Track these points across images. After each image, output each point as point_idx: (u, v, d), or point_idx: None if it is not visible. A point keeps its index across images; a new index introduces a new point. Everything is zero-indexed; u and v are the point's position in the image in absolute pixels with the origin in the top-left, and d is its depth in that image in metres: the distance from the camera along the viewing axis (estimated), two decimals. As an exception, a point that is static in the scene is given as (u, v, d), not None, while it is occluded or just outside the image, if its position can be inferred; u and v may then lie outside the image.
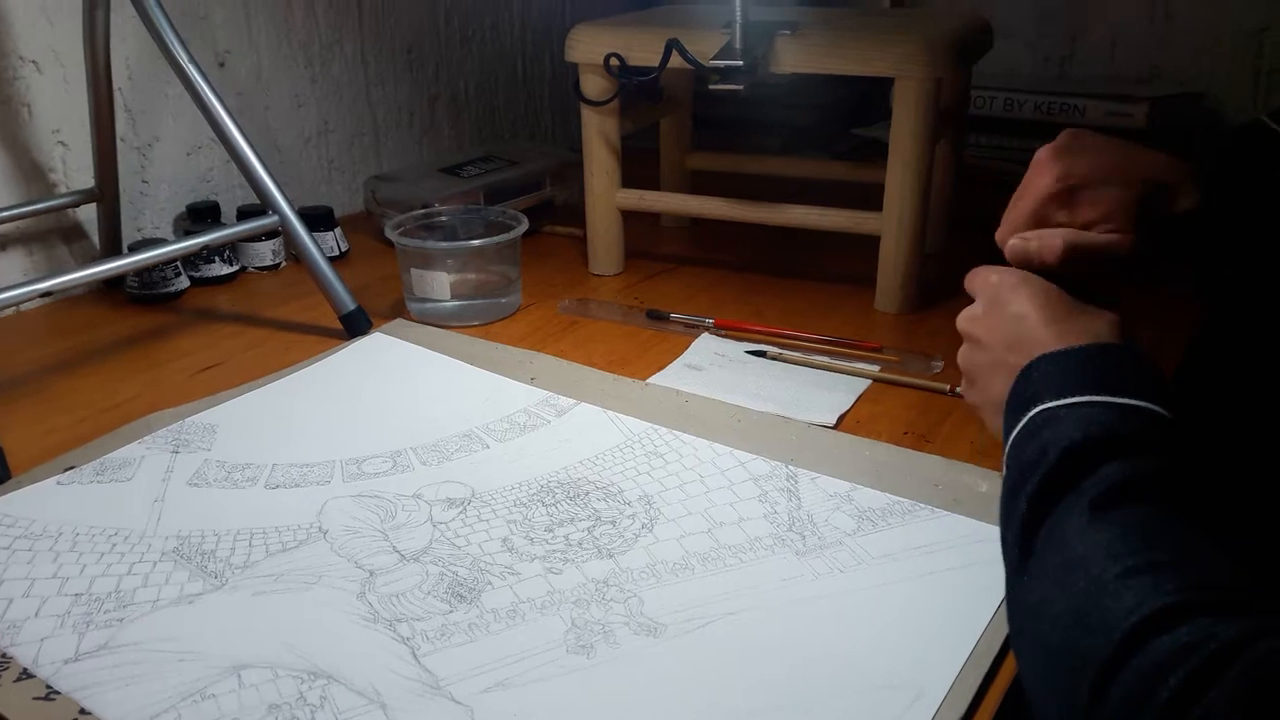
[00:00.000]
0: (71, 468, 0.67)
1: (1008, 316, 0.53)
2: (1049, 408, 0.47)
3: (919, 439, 0.71)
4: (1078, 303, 0.53)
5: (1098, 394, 0.47)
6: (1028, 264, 0.55)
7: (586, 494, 0.64)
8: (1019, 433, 0.48)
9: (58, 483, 0.65)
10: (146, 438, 0.70)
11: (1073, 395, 0.47)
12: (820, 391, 0.77)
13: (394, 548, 0.59)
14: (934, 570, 0.56)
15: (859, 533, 0.60)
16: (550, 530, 0.60)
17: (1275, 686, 0.33)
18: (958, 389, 0.78)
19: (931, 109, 0.86)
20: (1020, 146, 1.32)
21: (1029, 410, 0.48)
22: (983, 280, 0.57)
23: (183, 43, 0.83)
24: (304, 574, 0.56)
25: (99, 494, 0.64)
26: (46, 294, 0.72)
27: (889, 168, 0.89)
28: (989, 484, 0.64)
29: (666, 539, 0.59)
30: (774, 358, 0.84)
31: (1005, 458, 0.49)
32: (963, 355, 0.58)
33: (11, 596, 0.54)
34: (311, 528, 0.61)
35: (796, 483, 0.65)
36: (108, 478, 0.66)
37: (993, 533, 0.59)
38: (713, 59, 0.86)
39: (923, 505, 0.62)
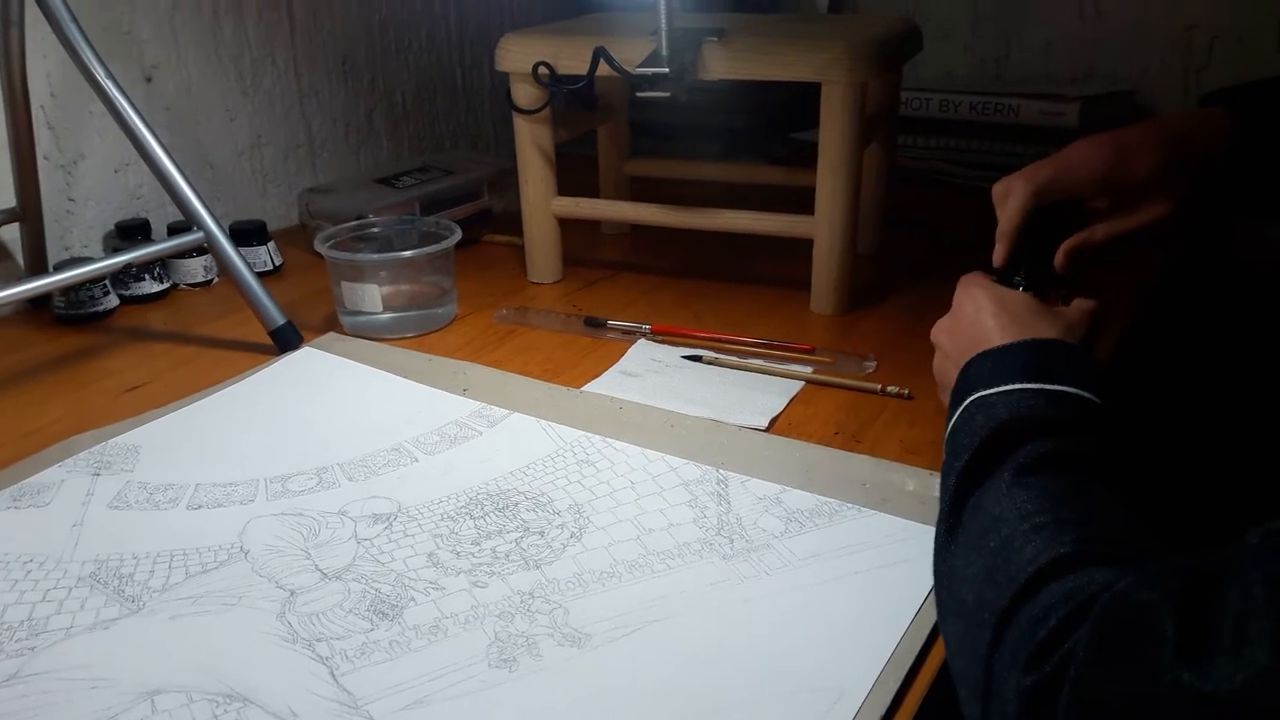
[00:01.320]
0: (-13, 494, 0.65)
1: (967, 324, 0.57)
2: (983, 395, 0.50)
3: (849, 439, 0.72)
4: (1040, 308, 0.57)
5: (1029, 382, 0.49)
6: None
7: (515, 505, 0.64)
8: (955, 421, 0.51)
9: (-28, 510, 0.64)
10: (67, 461, 0.69)
11: (1005, 384, 0.50)
12: (754, 394, 0.78)
13: (316, 566, 0.58)
14: (859, 570, 0.57)
15: (786, 534, 0.60)
16: (477, 543, 0.60)
17: (1125, 620, 0.34)
18: (889, 388, 0.78)
19: (857, 113, 0.87)
20: (955, 146, 1.34)
21: (965, 399, 0.51)
22: (956, 292, 0.61)
23: (101, 61, 0.82)
24: (223, 595, 0.55)
25: (14, 521, 0.62)
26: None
27: (819, 172, 0.90)
28: (916, 483, 0.64)
29: (595, 547, 0.59)
30: (709, 362, 0.84)
31: (944, 447, 0.51)
32: (935, 365, 0.62)
33: (-82, 629, 0.53)
34: (233, 548, 0.60)
35: (727, 486, 0.65)
36: (25, 504, 0.64)
37: (917, 530, 0.59)
38: (639, 66, 0.86)
39: (850, 505, 0.62)
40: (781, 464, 0.67)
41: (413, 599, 0.55)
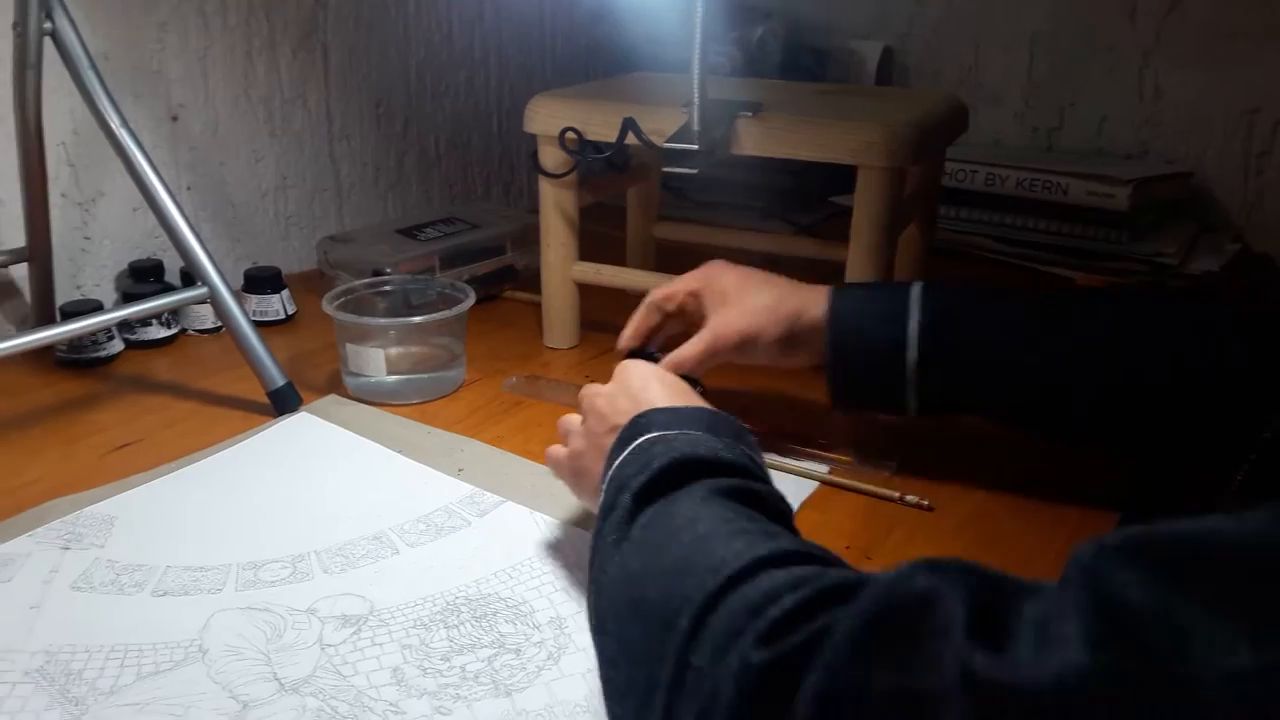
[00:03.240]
0: (-50, 563, 0.63)
1: (634, 391, 0.59)
2: (660, 434, 0.51)
3: (859, 555, 0.67)
4: (694, 396, 0.61)
5: (704, 431, 0.51)
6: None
7: (494, 614, 0.60)
8: (626, 456, 0.51)
9: (-69, 582, 0.61)
10: (38, 530, 0.66)
11: (682, 429, 0.52)
12: (762, 497, 0.73)
13: (274, 674, 0.54)
14: None
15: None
16: (447, 659, 0.56)
17: (905, 605, 0.31)
18: (909, 497, 0.74)
19: (893, 198, 0.83)
20: (1000, 222, 1.29)
21: (637, 439, 0.52)
22: (618, 370, 0.63)
23: (116, 107, 0.80)
24: (171, 703, 0.52)
25: (-27, 597, 0.60)
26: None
27: (850, 254, 0.86)
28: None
29: (572, 673, 0.55)
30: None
31: (604, 485, 0.52)
32: (578, 430, 0.63)
33: None
34: (191, 646, 0.56)
35: (721, 608, 0.60)
36: (-14, 577, 0.61)
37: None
38: (667, 141, 0.83)
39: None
40: (783, 584, 0.62)
41: (370, 723, 0.51)
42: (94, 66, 0.80)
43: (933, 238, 1.04)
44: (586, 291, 1.00)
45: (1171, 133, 1.36)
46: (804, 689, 0.31)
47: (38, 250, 0.91)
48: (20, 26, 0.79)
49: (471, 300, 0.89)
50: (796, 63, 1.46)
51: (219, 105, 1.10)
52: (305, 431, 0.81)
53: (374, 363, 0.86)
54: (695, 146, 0.82)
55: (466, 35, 1.36)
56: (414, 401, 0.88)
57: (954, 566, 0.31)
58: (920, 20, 1.52)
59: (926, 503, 0.73)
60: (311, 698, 0.53)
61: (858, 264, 0.85)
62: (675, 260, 1.04)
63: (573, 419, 0.65)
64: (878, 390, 0.72)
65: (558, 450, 0.66)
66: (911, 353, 0.68)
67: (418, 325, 0.88)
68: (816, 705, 0.30)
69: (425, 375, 0.90)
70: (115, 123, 0.80)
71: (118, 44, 0.99)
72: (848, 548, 0.68)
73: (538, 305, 1.09)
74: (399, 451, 0.78)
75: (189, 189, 1.08)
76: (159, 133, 1.04)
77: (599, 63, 1.59)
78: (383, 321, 0.88)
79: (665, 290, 0.80)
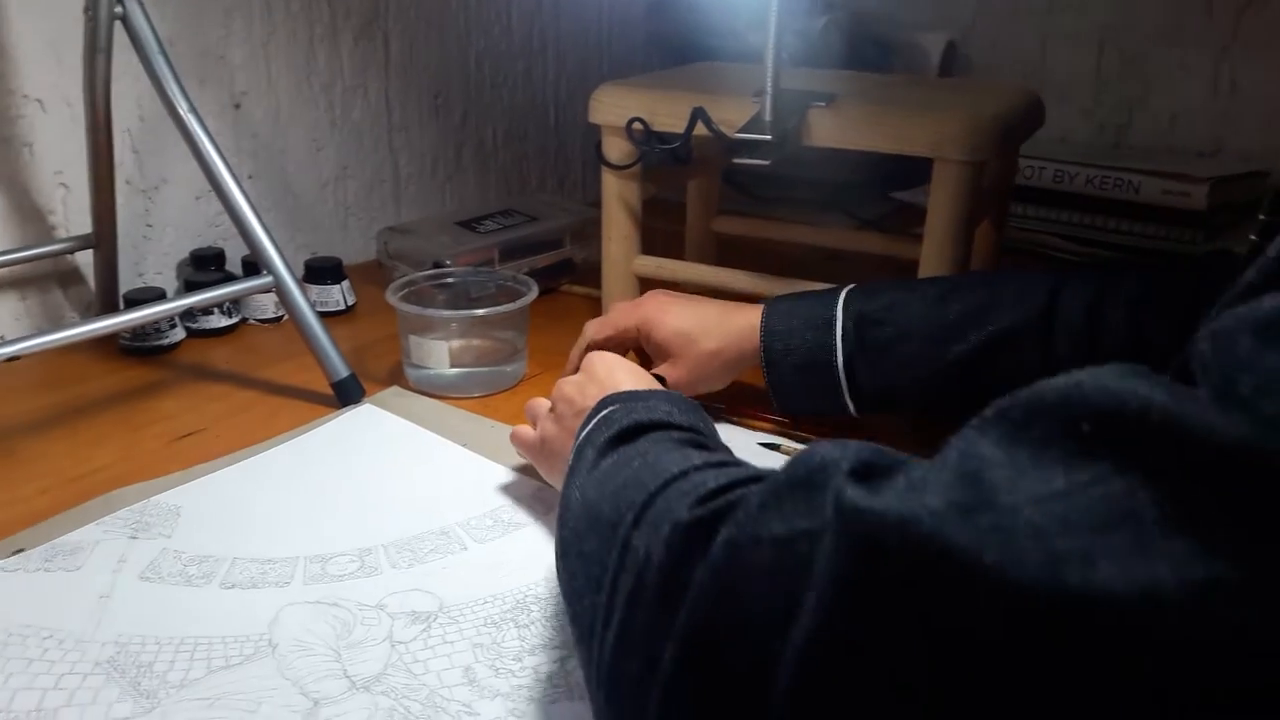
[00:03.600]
0: (20, 550, 0.62)
1: (601, 377, 0.62)
2: (621, 405, 0.53)
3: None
4: (654, 380, 0.65)
5: (666, 403, 0.53)
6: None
7: (565, 614, 0.58)
8: (591, 426, 0.53)
9: (2, 569, 0.61)
10: (106, 519, 0.66)
11: (646, 400, 0.53)
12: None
13: (345, 672, 0.53)
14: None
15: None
16: (519, 659, 0.54)
17: (807, 469, 0.34)
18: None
19: (972, 193, 0.80)
20: (1069, 220, 1.25)
21: (603, 410, 0.54)
22: (586, 360, 0.66)
23: (185, 93, 0.80)
24: (243, 699, 0.51)
25: (43, 585, 0.59)
26: (13, 358, 0.68)
27: (924, 251, 0.83)
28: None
29: (647, 678, 0.53)
30: (789, 453, 0.77)
31: (571, 454, 0.53)
32: (547, 415, 0.66)
33: (-77, 709, 0.50)
34: (260, 640, 0.55)
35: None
36: (56, 565, 0.61)
37: None
38: (739, 131, 0.81)
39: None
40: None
41: (443, 725, 0.50)
42: (163, 51, 0.80)
43: (1003, 238, 1.01)
44: (645, 286, 0.98)
45: (1248, 130, 1.32)
46: (715, 540, 0.34)
47: (104, 237, 0.90)
48: (91, 11, 0.79)
49: (535, 293, 0.88)
50: (859, 55, 1.43)
51: (280, 93, 1.09)
52: (369, 423, 0.80)
53: (437, 355, 0.85)
54: (768, 137, 0.80)
55: (526, 26, 1.35)
56: (475, 395, 0.87)
57: (855, 442, 0.34)
58: (985, 13, 1.49)
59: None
60: (384, 696, 0.52)
61: (931, 261, 0.82)
62: (735, 254, 1.02)
63: (540, 403, 0.68)
64: (817, 394, 0.75)
65: (525, 432, 0.69)
66: (838, 355, 0.72)
67: (481, 318, 0.87)
68: (724, 551, 0.34)
69: (487, 369, 0.89)
70: (183, 108, 0.80)
71: (184, 29, 0.99)
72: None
73: (595, 300, 1.07)
74: (463, 445, 0.77)
75: (250, 177, 1.08)
76: (222, 119, 1.04)
77: (655, 55, 1.57)
78: (447, 314, 0.87)
79: (604, 334, 0.81)
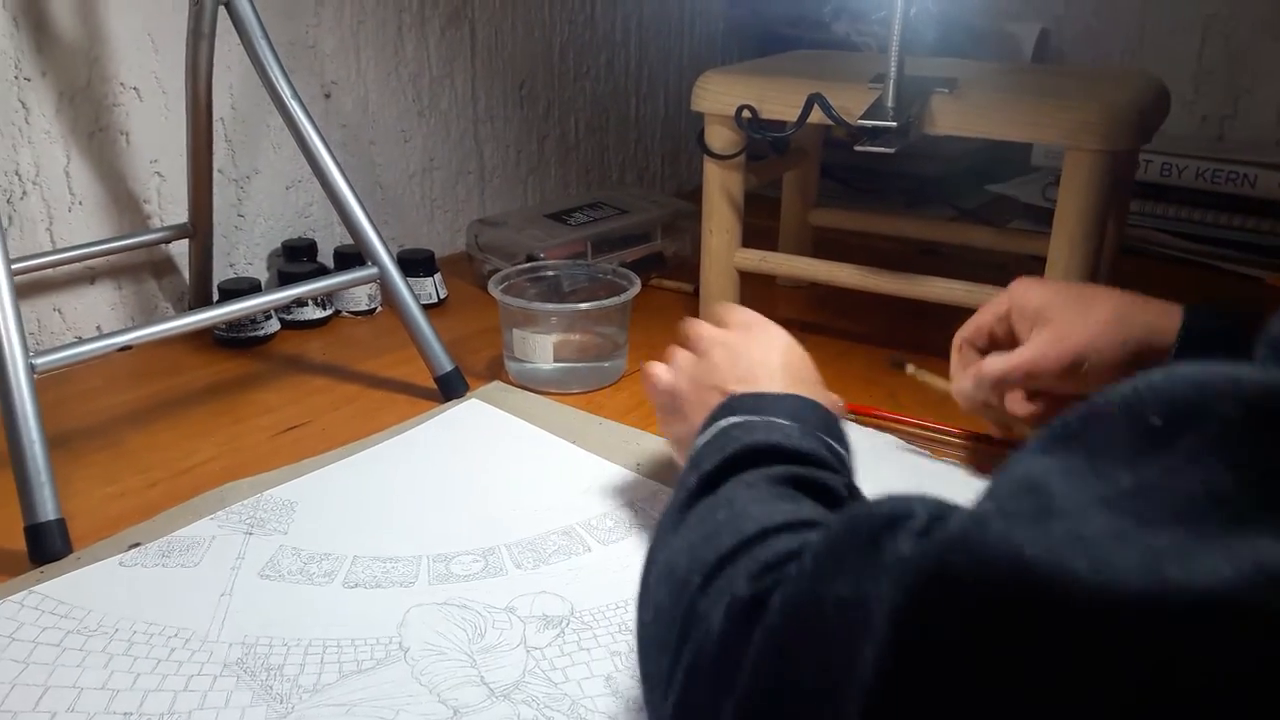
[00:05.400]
0: (136, 545, 0.61)
1: (752, 359, 0.56)
2: (744, 420, 0.49)
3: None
4: (817, 376, 0.58)
5: (791, 420, 0.49)
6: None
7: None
8: (708, 440, 0.49)
9: (120, 564, 0.59)
10: (220, 513, 0.64)
11: (767, 415, 0.49)
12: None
13: (482, 678, 0.51)
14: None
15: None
16: (663, 669, 0.52)
17: (861, 524, 0.31)
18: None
19: (1106, 184, 0.76)
20: (1177, 216, 1.20)
21: (721, 421, 0.50)
22: (752, 315, 0.61)
23: (287, 77, 0.78)
24: (380, 706, 0.49)
25: (162, 580, 0.57)
26: (126, 347, 0.66)
27: (1052, 244, 0.79)
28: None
29: (799, 691, 0.50)
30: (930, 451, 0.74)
31: (690, 455, 0.50)
32: (688, 369, 0.59)
33: (55, 710, 0.48)
34: (391, 643, 0.53)
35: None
36: (173, 561, 0.59)
37: None
38: (861, 118, 0.77)
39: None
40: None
41: (592, 737, 0.47)
42: (267, 37, 0.78)
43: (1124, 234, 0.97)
44: (745, 281, 0.95)
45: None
46: (772, 602, 0.32)
47: (200, 227, 0.89)
48: (197, -4, 0.77)
49: (637, 288, 0.85)
50: (948, 43, 1.39)
51: (369, 83, 1.07)
52: (476, 418, 0.77)
53: (540, 349, 0.83)
54: (892, 123, 0.76)
55: (609, 16, 1.32)
56: (575, 390, 0.84)
57: (931, 498, 0.32)
58: (1077, 1, 1.44)
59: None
60: (525, 705, 0.49)
61: (1061, 257, 0.79)
62: (834, 248, 0.99)
63: (686, 354, 0.62)
64: None
65: (660, 371, 0.63)
66: None
67: (583, 312, 0.84)
68: (782, 615, 0.32)
69: (589, 364, 0.86)
70: (287, 94, 0.78)
71: (275, 16, 0.97)
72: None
73: (687, 294, 1.04)
74: (572, 442, 0.74)
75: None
76: (313, 108, 1.01)
77: (734, 47, 1.53)
78: (551, 307, 0.84)
79: (971, 326, 0.69)
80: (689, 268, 0.97)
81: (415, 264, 1.00)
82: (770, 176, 1.00)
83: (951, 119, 0.79)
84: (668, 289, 1.09)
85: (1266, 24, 1.30)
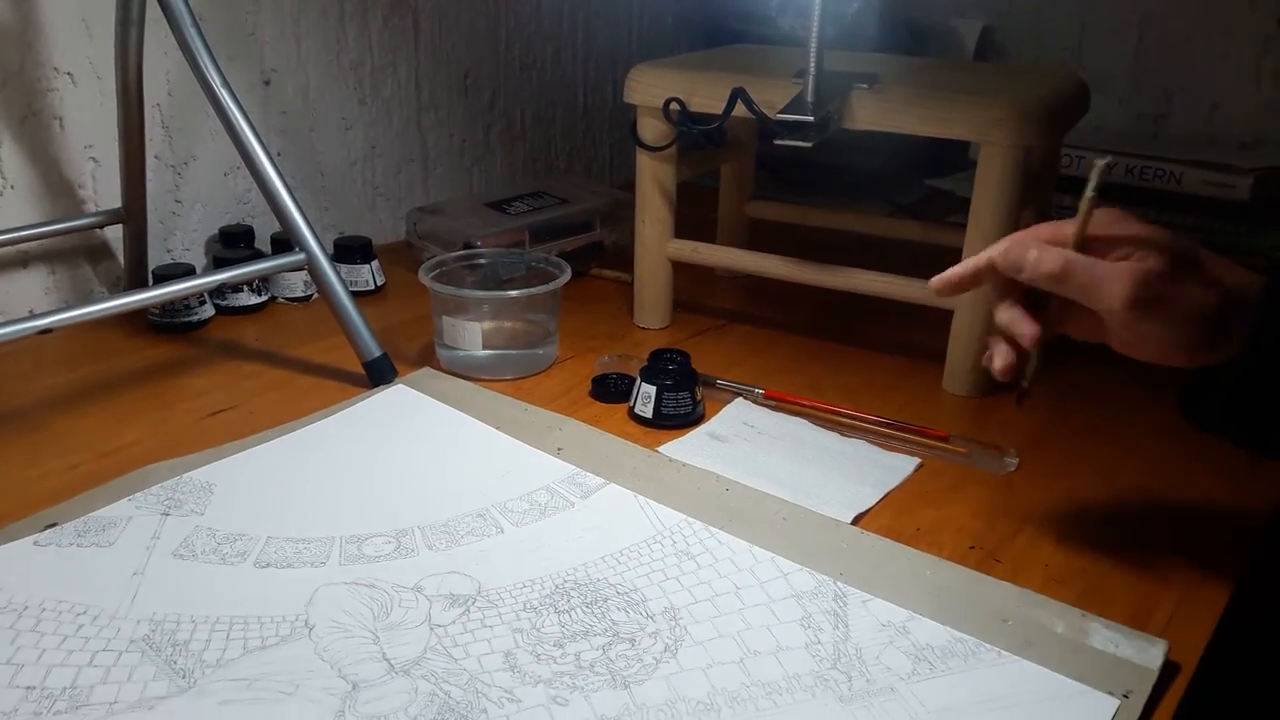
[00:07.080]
0: (53, 525, 0.61)
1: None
2: None
3: (987, 556, 0.63)
4: None
5: None
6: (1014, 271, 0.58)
7: (606, 600, 0.57)
8: None
9: (35, 543, 0.60)
10: (138, 495, 0.65)
11: None
12: (848, 483, 0.70)
13: (383, 654, 0.52)
14: (998, 734, 0.48)
15: (915, 676, 0.52)
16: (560, 645, 0.53)
17: None
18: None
19: (1018, 179, 0.78)
20: (1107, 211, 1.23)
21: None
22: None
23: (218, 66, 0.78)
24: (280, 680, 0.50)
25: (76, 560, 0.58)
26: (45, 331, 0.67)
27: (967, 238, 0.81)
28: (1065, 625, 0.55)
29: (691, 668, 0.52)
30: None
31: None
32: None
33: (-43, 684, 0.49)
34: (297, 621, 0.54)
35: (845, 605, 0.57)
36: (88, 540, 0.60)
37: (1067, 689, 0.51)
38: (780, 112, 0.79)
39: (989, 646, 0.54)
40: (909, 582, 0.59)
41: (485, 710, 0.49)
42: (196, 25, 0.78)
43: (1045, 224, 0.99)
44: (678, 270, 0.97)
45: (1290, 121, 1.29)
46: None
47: (133, 212, 0.90)
48: (125, -18, 0.78)
49: (568, 276, 0.87)
50: (892, 39, 1.41)
51: (310, 71, 1.08)
52: (402, 404, 0.79)
53: (469, 336, 0.84)
54: (810, 118, 0.78)
55: (556, 7, 1.33)
56: (506, 377, 0.86)
57: None
58: (1021, -1, 1.47)
59: (1051, 501, 0.69)
60: (424, 680, 0.50)
61: (974, 248, 0.80)
62: (768, 240, 1.01)
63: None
64: None
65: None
66: None
67: (513, 300, 0.85)
68: None
69: (519, 351, 0.87)
70: (216, 83, 0.78)
71: (214, 5, 0.98)
72: (972, 548, 0.64)
73: (626, 284, 1.06)
74: (496, 428, 0.76)
75: (279, 155, 1.07)
76: (252, 96, 1.03)
77: (684, 39, 1.55)
78: (481, 294, 0.85)
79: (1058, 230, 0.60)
80: (627, 257, 0.99)
81: (352, 250, 1.01)
82: (704, 168, 1.01)
83: (869, 114, 0.81)
84: (607, 278, 1.10)
85: (1201, 23, 1.33)
